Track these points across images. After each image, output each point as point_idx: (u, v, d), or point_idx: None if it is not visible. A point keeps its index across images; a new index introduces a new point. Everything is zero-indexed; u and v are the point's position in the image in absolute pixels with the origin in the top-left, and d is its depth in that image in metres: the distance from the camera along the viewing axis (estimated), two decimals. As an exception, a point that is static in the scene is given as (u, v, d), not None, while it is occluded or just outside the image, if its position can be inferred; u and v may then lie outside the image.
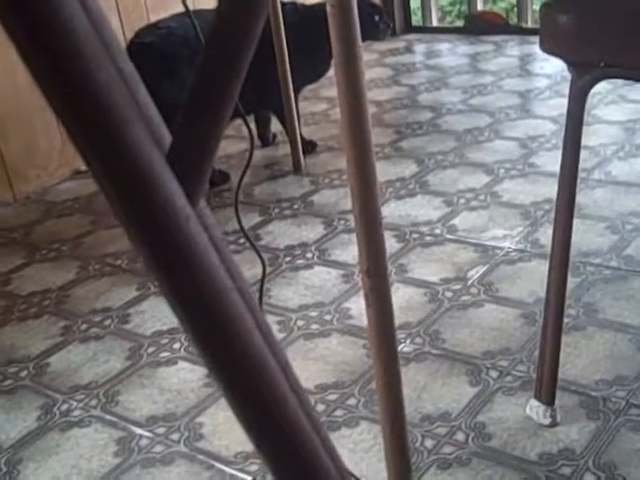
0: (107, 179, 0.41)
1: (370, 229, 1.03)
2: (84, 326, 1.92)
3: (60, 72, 0.38)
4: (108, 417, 1.60)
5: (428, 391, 1.56)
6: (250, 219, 2.33)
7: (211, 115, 0.44)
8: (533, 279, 1.88)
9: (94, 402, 1.64)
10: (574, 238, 1.37)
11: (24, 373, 1.76)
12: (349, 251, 2.11)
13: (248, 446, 1.47)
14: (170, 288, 0.43)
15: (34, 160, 2.69)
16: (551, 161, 2.45)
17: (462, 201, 2.30)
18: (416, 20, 4.11)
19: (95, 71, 0.38)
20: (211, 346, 0.44)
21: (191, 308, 0.43)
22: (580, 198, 1.38)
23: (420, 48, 3.87)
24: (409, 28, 4.07)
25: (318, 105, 3.23)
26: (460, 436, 1.43)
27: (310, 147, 2.75)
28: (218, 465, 1.45)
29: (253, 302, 0.45)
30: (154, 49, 2.30)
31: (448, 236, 2.13)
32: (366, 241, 1.03)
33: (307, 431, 0.47)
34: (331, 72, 3.57)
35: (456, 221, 2.20)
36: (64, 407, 1.64)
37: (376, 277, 1.04)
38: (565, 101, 1.27)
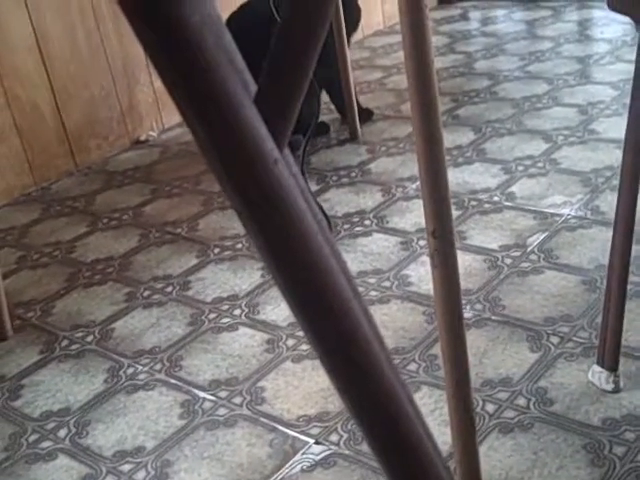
0: (199, 121, 0.41)
1: (436, 190, 1.03)
2: (146, 293, 1.95)
3: (155, 10, 0.39)
4: (172, 381, 1.63)
5: (488, 356, 1.56)
6: (307, 187, 2.34)
7: (297, 61, 0.44)
8: (594, 246, 1.86)
9: (158, 366, 1.68)
10: (638, 205, 1.35)
11: (90, 338, 1.81)
12: (407, 218, 2.11)
13: (310, 410, 1.50)
14: (258, 230, 0.43)
15: (95, 130, 2.73)
16: (612, 127, 2.42)
17: (520, 168, 2.29)
18: (472, -13, 4.06)
19: (189, 14, 0.39)
20: (298, 287, 0.45)
21: (278, 249, 0.44)
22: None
23: (476, 15, 3.83)
24: (464, -5, 4.03)
25: (373, 74, 3.22)
26: (522, 401, 1.44)
27: (366, 115, 2.74)
28: (281, 428, 1.47)
29: (336, 248, 0.46)
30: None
31: (507, 203, 2.11)
32: (432, 202, 1.03)
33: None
34: (386, 41, 3.56)
35: (514, 188, 2.18)
36: (130, 371, 1.68)
37: (442, 238, 1.05)
38: (626, 67, 1.26)
